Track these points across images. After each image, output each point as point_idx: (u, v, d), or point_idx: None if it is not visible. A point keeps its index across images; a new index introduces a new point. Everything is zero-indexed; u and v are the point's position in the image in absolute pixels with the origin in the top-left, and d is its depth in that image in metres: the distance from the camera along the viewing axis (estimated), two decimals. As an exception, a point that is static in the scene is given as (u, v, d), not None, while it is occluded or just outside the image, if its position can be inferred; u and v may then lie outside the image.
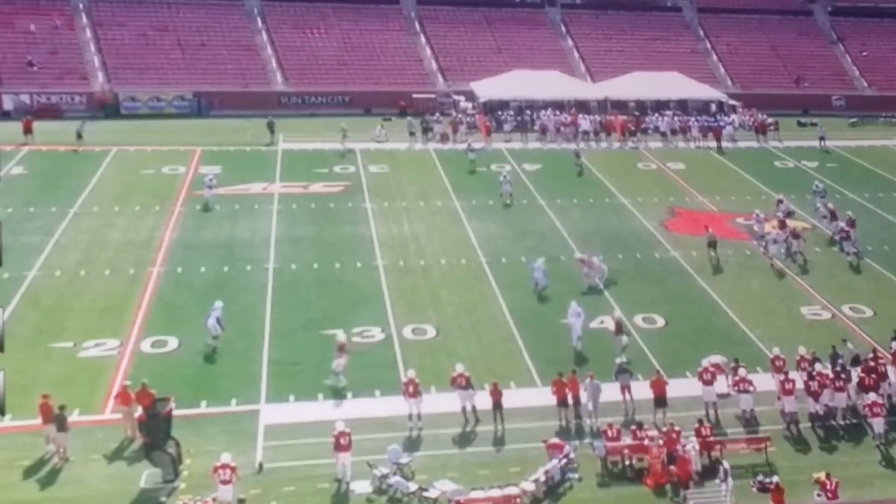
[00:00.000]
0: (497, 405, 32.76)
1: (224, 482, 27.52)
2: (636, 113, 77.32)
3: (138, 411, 30.64)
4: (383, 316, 41.07)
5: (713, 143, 72.41)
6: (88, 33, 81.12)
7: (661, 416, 33.17)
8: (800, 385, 34.03)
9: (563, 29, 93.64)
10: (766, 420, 33.75)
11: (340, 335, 36.72)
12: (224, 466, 27.72)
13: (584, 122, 73.85)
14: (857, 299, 45.02)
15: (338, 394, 34.39)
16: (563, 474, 30.02)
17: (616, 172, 64.23)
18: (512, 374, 36.39)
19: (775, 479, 28.93)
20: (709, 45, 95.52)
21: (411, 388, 32.74)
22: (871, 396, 33.41)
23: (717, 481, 29.29)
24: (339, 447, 29.27)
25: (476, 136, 70.74)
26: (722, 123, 76.31)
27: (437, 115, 74.92)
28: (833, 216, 53.23)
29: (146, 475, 29.24)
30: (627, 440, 31.15)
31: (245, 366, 36.50)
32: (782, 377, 34.13)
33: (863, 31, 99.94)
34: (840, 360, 35.98)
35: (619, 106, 78.67)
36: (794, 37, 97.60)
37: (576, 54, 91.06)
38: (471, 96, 79.74)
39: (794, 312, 43.53)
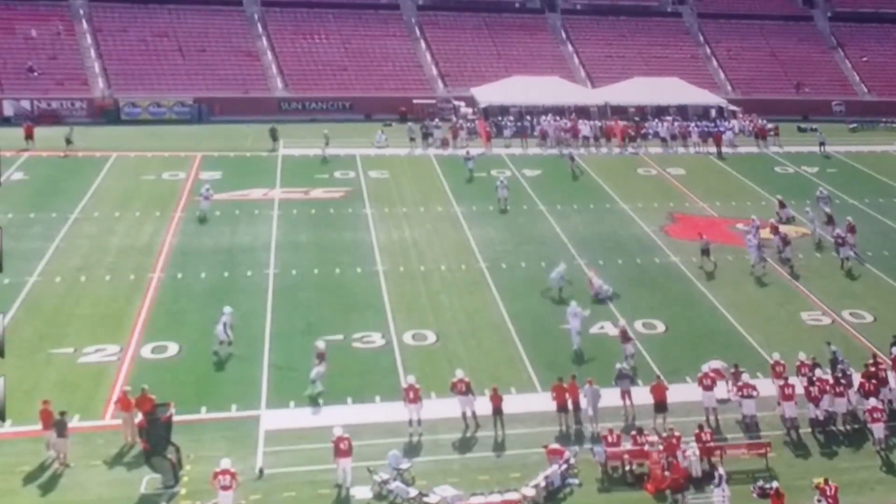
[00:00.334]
0: (497, 410, 32.77)
1: (224, 488, 27.52)
2: (636, 118, 77.35)
3: (138, 417, 30.68)
4: (383, 321, 41.09)
5: (713, 149, 72.45)
6: (89, 39, 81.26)
7: (662, 421, 33.16)
8: (800, 390, 34.03)
9: (563, 34, 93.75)
10: (767, 425, 33.72)
11: (320, 343, 36.48)
12: (224, 472, 27.71)
13: (585, 128, 73.84)
14: (858, 305, 45.01)
15: (314, 401, 34.28)
16: (564, 480, 30.00)
17: (616, 178, 64.27)
18: (512, 379, 36.38)
19: (775, 484, 28.93)
20: (709, 51, 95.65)
21: (411, 394, 32.75)
22: (872, 402, 33.40)
23: (711, 487, 29.26)
24: (338, 452, 29.27)
25: (476, 142, 70.88)
26: (722, 129, 76.33)
27: (437, 120, 74.98)
28: (830, 221, 53.25)
29: (146, 481, 29.22)
30: (627, 445, 31.13)
31: (245, 371, 36.51)
32: (782, 382, 34.13)
33: (863, 37, 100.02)
34: (840, 366, 35.97)
35: (619, 111, 78.77)
36: (794, 42, 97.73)
37: (576, 60, 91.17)
38: (471, 102, 79.89)
39: (794, 318, 43.53)
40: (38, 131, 64.43)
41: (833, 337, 40.29)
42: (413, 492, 28.72)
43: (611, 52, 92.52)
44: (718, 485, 28.87)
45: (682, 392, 34.92)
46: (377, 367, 37.18)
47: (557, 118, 75.64)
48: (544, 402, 33.94)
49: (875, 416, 32.79)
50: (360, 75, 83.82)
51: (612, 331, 40.75)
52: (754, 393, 33.93)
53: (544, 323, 41.38)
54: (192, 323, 40.20)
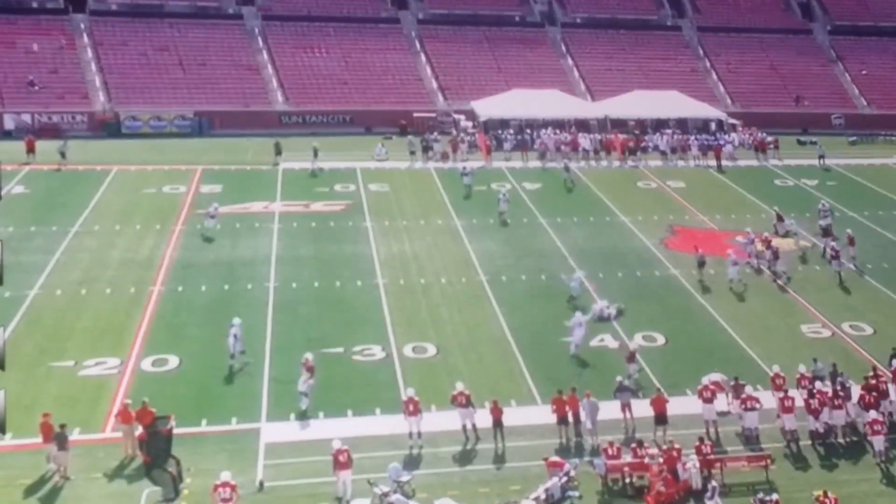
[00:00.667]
0: (497, 423, 32.78)
1: (224, 500, 27.53)
2: (636, 132, 77.46)
3: (139, 430, 30.71)
4: (384, 334, 41.12)
5: (713, 162, 72.53)
6: (90, 53, 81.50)
7: (662, 433, 33.17)
8: (800, 403, 34.04)
9: (564, 48, 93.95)
10: (767, 438, 33.70)
11: (309, 356, 36.23)
12: (224, 485, 27.73)
13: (584, 141, 73.93)
14: (857, 317, 45.02)
15: (306, 415, 34.27)
16: (564, 492, 29.96)
17: (616, 191, 64.35)
18: (512, 392, 36.39)
19: (775, 496, 28.91)
20: (708, 64, 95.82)
21: (411, 407, 32.77)
22: (872, 414, 33.41)
23: (705, 499, 29.25)
24: (338, 465, 29.28)
25: (476, 155, 70.98)
26: (722, 142, 76.46)
27: (436, 133, 75.06)
28: (825, 233, 53.24)
29: (147, 494, 29.22)
30: (627, 458, 31.13)
31: (245, 384, 36.55)
32: (782, 395, 34.15)
33: (862, 50, 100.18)
34: (840, 378, 35.98)
35: (619, 125, 78.89)
36: (793, 56, 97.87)
37: (576, 73, 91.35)
38: (471, 115, 79.97)
39: (794, 330, 43.55)
40: (39, 145, 64.50)
41: (833, 349, 40.40)
42: (413, 504, 28.76)
43: (611, 66, 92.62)
44: (711, 497, 28.89)
45: (682, 405, 34.88)
46: (377, 380, 37.20)
47: (557, 131, 75.71)
48: (544, 414, 33.93)
49: (875, 428, 32.79)
50: (361, 89, 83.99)
51: (611, 343, 40.85)
52: (757, 405, 33.92)
53: (544, 336, 41.40)
54: (193, 336, 40.28)
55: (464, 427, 33.16)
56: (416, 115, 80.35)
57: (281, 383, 36.17)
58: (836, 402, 34.08)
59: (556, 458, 31.02)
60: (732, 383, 35.58)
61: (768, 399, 34.99)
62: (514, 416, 33.84)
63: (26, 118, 74.07)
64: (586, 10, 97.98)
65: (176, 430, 30.49)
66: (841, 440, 34.01)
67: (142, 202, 57.43)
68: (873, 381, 35.69)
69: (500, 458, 32.20)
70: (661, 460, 30.64)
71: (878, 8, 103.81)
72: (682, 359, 39.85)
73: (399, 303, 44.54)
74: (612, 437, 32.27)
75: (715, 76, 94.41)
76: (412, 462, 31.60)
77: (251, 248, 50.65)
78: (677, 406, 34.41)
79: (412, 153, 70.08)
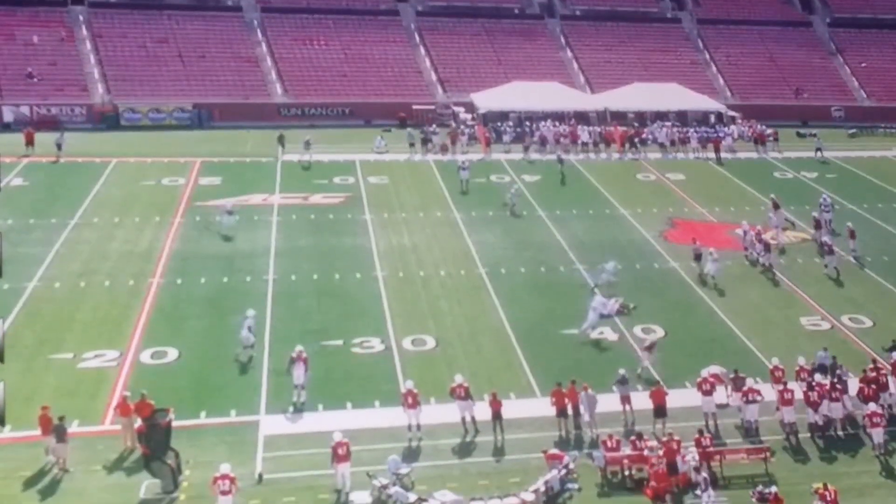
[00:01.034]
0: (496, 416, 32.76)
1: (223, 493, 27.51)
2: (635, 124, 77.37)
3: (138, 422, 30.67)
4: (383, 327, 41.10)
5: (713, 154, 72.50)
6: (88, 45, 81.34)
7: (661, 426, 33.16)
8: (799, 395, 34.05)
9: (563, 40, 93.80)
10: (766, 430, 33.72)
11: (300, 349, 35.85)
12: (223, 477, 27.71)
13: (583, 134, 73.87)
14: (857, 310, 45.03)
15: (302, 408, 34.27)
16: (563, 485, 29.99)
17: (615, 183, 64.31)
18: (511, 384, 36.38)
19: (774, 489, 28.92)
20: (708, 57, 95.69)
21: (410, 399, 32.75)
22: (871, 407, 33.42)
23: (697, 492, 29.24)
24: (337, 458, 29.24)
25: (476, 148, 70.93)
26: (721, 134, 76.44)
27: (434, 126, 74.94)
28: (818, 226, 53.21)
29: (146, 486, 29.22)
30: (627, 450, 31.14)
31: (244, 376, 36.54)
32: (781, 387, 34.15)
33: (862, 43, 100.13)
34: (838, 371, 35.99)
35: (619, 117, 78.85)
36: (793, 48, 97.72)
37: (575, 65, 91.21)
38: (470, 107, 79.91)
39: (793, 323, 43.54)
40: (38, 137, 64.37)
41: (832, 342, 40.34)
42: (412, 497, 28.68)
43: (610, 58, 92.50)
44: (704, 489, 28.89)
45: (681, 397, 34.91)
46: (376, 373, 37.18)
47: (557, 124, 75.65)
48: (543, 407, 33.88)
49: (874, 420, 32.79)
50: (360, 81, 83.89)
51: (611, 336, 40.86)
52: (758, 398, 33.94)
53: (543, 328, 41.39)
54: (192, 328, 40.27)
55: (463, 419, 33.15)
56: (415, 107, 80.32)
57: (280, 375, 36.09)
58: (833, 395, 34.08)
59: (555, 451, 31.03)
60: (732, 376, 35.55)
61: (767, 392, 34.96)
62: (513, 408, 33.81)
63: (25, 110, 73.97)
64: (586, 3, 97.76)
65: (175, 423, 30.46)
66: (840, 433, 34.01)
67: (141, 194, 57.37)
68: (873, 374, 35.70)
69: (499, 451, 32.20)
70: (660, 453, 30.64)
71: (877, 0, 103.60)
72: (682, 351, 39.77)
73: (398, 295, 44.52)
74: (611, 430, 32.27)
75: (714, 68, 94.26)
76: (411, 454, 31.59)
77: (250, 240, 50.58)
78: (676, 399, 34.44)
79: (411, 145, 70.02)
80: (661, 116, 79.58)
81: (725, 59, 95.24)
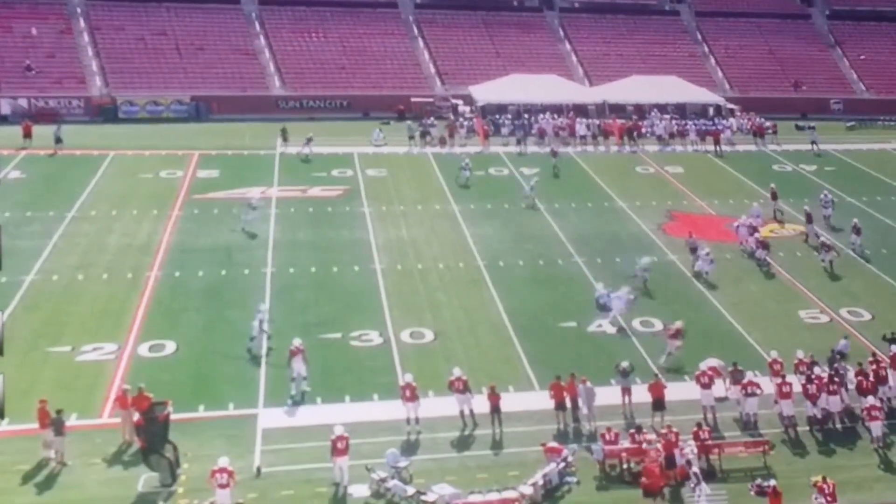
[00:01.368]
0: (495, 409, 32.72)
1: (222, 486, 27.47)
2: (634, 117, 77.32)
3: (136, 415, 30.64)
4: (381, 320, 41.05)
5: (711, 147, 72.43)
6: (86, 37, 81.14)
7: (660, 419, 33.13)
8: (797, 388, 34.04)
9: (562, 33, 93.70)
10: (765, 423, 33.71)
11: (296, 341, 35.84)
12: (222, 470, 27.67)
13: (580, 127, 73.73)
14: (856, 303, 45.01)
15: (304, 399, 34.24)
16: (562, 478, 29.98)
17: (614, 176, 64.25)
18: (510, 377, 36.36)
19: (773, 482, 28.89)
20: (707, 49, 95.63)
21: (409, 392, 32.72)
22: (870, 400, 33.41)
23: (690, 486, 29.23)
24: (336, 451, 29.22)
25: (474, 140, 70.85)
26: (720, 127, 76.37)
27: (432, 119, 74.83)
28: (809, 219, 53.04)
29: (144, 479, 29.19)
30: (625, 443, 31.12)
31: (243, 370, 36.49)
32: (780, 380, 34.14)
33: (861, 35, 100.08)
34: (836, 364, 35.96)
35: (618, 110, 78.78)
36: (791, 40, 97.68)
37: (574, 58, 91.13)
38: (469, 100, 79.83)
39: (792, 316, 43.52)
40: (36, 129, 64.27)
41: (831, 335, 40.30)
42: (411, 490, 28.67)
43: (609, 51, 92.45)
44: (697, 483, 28.87)
45: (680, 390, 34.90)
46: (375, 366, 37.16)
47: (555, 116, 75.59)
48: (542, 400, 33.86)
49: (873, 413, 32.78)
50: (358, 74, 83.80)
51: (609, 329, 40.83)
52: (758, 391, 33.94)
53: (542, 321, 41.37)
54: (190, 321, 40.22)
55: (461, 413, 33.10)
56: (413, 99, 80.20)
57: (278, 369, 36.08)
58: (830, 388, 34.06)
59: (553, 444, 30.99)
60: (731, 369, 35.51)
61: (766, 385, 34.96)
62: (511, 401, 33.76)
63: (23, 103, 73.83)
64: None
65: (173, 416, 30.40)
66: (838, 426, 33.99)
67: (139, 187, 57.27)
68: (872, 367, 35.67)
69: (497, 444, 32.18)
70: (658, 446, 30.62)
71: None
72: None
73: (397, 288, 44.48)
74: (610, 423, 32.26)
75: (713, 61, 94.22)
76: (410, 448, 31.56)
77: (248, 233, 50.47)
78: (675, 392, 34.42)
79: (410, 138, 69.91)
80: (659, 109, 79.49)
81: (724, 52, 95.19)
